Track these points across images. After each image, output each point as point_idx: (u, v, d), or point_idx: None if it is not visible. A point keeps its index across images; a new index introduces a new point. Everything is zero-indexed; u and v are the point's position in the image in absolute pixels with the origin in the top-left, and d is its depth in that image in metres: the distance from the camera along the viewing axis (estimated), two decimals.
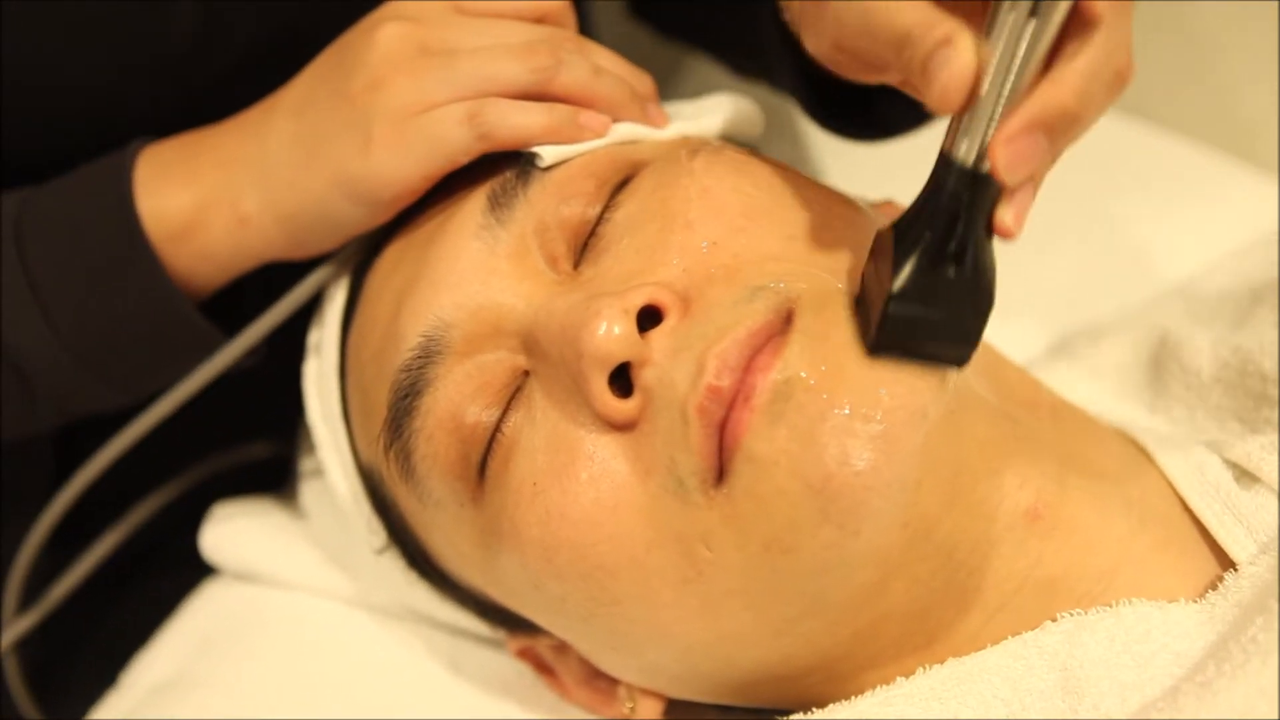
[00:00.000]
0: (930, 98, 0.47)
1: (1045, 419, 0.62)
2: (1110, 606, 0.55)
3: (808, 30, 0.56)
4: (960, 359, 0.51)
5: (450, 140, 0.60)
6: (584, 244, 0.59)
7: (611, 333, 0.52)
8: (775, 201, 0.58)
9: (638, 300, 0.53)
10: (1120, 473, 0.60)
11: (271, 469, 0.84)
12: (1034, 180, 0.49)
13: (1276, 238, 0.77)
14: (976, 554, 0.56)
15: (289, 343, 0.71)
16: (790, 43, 0.66)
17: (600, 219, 0.59)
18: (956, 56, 0.46)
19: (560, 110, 0.61)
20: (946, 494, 0.54)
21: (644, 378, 0.53)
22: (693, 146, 0.61)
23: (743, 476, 0.52)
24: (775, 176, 0.60)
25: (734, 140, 0.67)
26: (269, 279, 0.68)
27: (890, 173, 0.72)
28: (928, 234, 0.49)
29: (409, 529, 0.64)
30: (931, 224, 0.49)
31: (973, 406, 0.57)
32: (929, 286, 0.49)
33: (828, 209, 0.59)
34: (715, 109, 0.68)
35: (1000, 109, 0.47)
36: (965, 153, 0.48)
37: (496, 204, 0.60)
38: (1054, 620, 0.55)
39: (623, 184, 0.59)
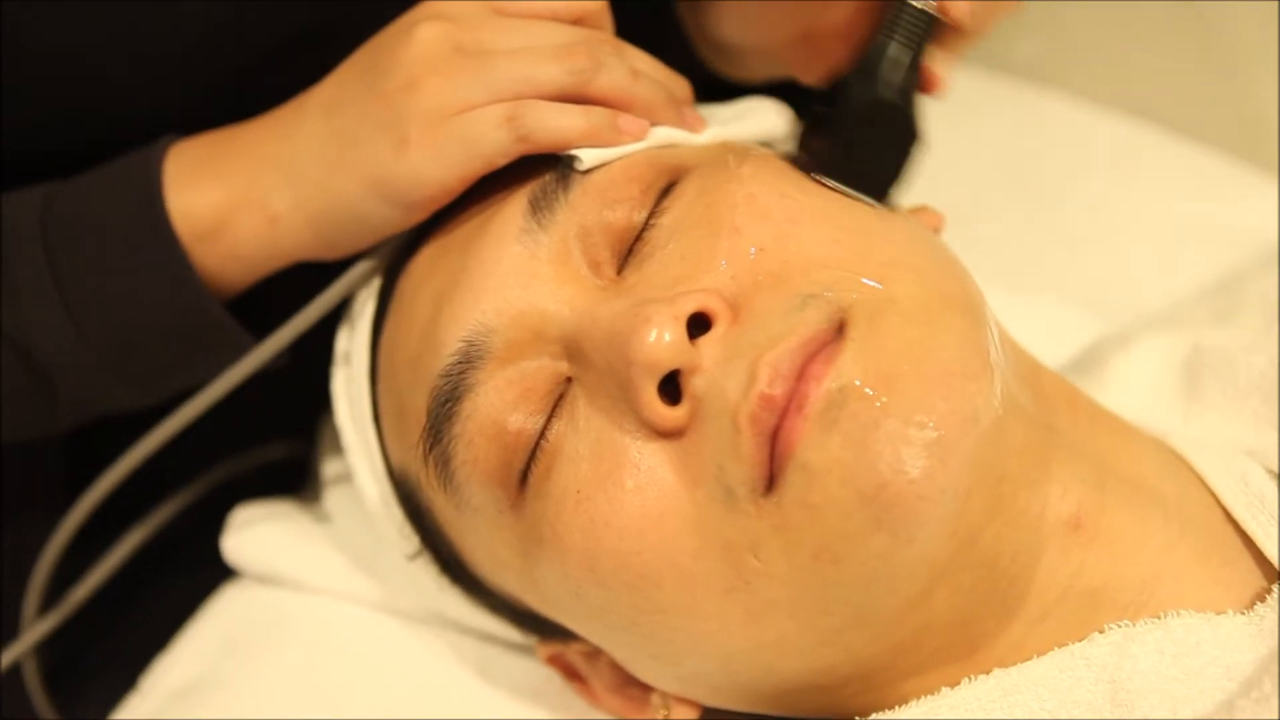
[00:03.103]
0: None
1: (1083, 427, 0.62)
2: (1158, 618, 0.55)
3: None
4: (883, 189, 0.59)
5: (488, 142, 0.60)
6: (629, 249, 0.58)
7: (662, 339, 0.52)
8: (821, 208, 0.58)
9: (688, 306, 0.53)
10: (1159, 481, 0.60)
11: (288, 470, 0.84)
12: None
13: None
14: (1019, 563, 0.56)
15: (309, 343, 0.70)
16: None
17: (646, 224, 0.58)
18: None
19: (599, 113, 0.61)
20: (991, 502, 0.54)
21: (694, 385, 0.53)
22: (739, 152, 0.61)
23: (794, 485, 0.51)
24: (816, 182, 0.60)
25: (770, 145, 0.67)
26: (298, 280, 0.68)
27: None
28: (870, 66, 0.59)
29: (443, 535, 0.64)
30: (878, 58, 0.59)
31: (1014, 414, 0.57)
32: (865, 104, 0.59)
33: (871, 215, 0.59)
34: (752, 113, 0.68)
35: None
36: None
37: (537, 207, 0.59)
38: (1100, 631, 0.55)
39: (667, 189, 0.59)
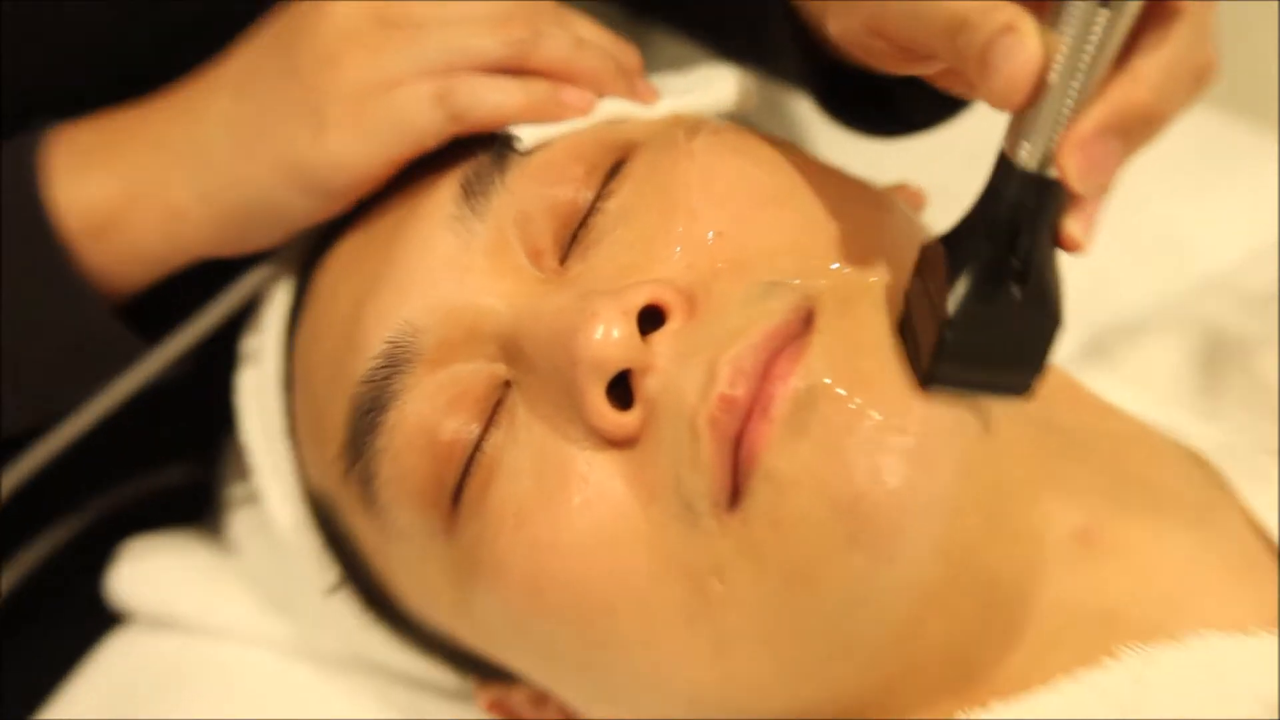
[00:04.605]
0: (991, 91, 0.47)
1: (1091, 425, 0.63)
2: (1178, 640, 0.56)
3: (834, 11, 0.55)
4: (1025, 388, 0.52)
5: (417, 122, 0.61)
6: (573, 236, 0.60)
7: (610, 336, 0.53)
8: (785, 186, 0.60)
9: (638, 299, 0.55)
10: (1180, 486, 0.62)
11: (187, 496, 0.84)
12: (1104, 187, 0.49)
13: None
14: (1023, 583, 0.57)
15: (212, 350, 0.71)
16: (799, 24, 0.67)
17: (592, 208, 0.60)
18: (1021, 45, 0.46)
19: (539, 86, 0.63)
20: (987, 515, 0.55)
21: (646, 387, 0.55)
22: (690, 126, 0.63)
23: (760, 498, 0.53)
24: (782, 158, 0.61)
25: (730, 118, 0.68)
26: (204, 278, 0.69)
27: (892, 157, 0.74)
28: (986, 248, 0.50)
29: (366, 564, 0.65)
30: (991, 237, 0.50)
31: (1012, 415, 0.58)
32: (990, 309, 0.50)
33: (842, 193, 0.60)
34: (707, 83, 0.69)
35: (1069, 108, 0.47)
36: (1029, 156, 0.48)
37: (471, 192, 0.61)
38: (1114, 656, 0.56)
39: (614, 169, 0.61)
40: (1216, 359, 0.73)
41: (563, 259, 0.60)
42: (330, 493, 0.64)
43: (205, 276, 0.69)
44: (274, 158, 0.63)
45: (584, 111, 0.63)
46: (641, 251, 0.58)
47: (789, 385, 0.53)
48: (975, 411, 0.54)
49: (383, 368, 0.59)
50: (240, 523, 0.77)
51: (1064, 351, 0.83)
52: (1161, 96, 0.48)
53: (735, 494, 0.54)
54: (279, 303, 0.68)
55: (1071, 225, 0.50)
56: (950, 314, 0.50)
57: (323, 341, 0.63)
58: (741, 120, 0.69)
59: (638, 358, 0.54)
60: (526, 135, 0.62)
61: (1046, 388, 0.62)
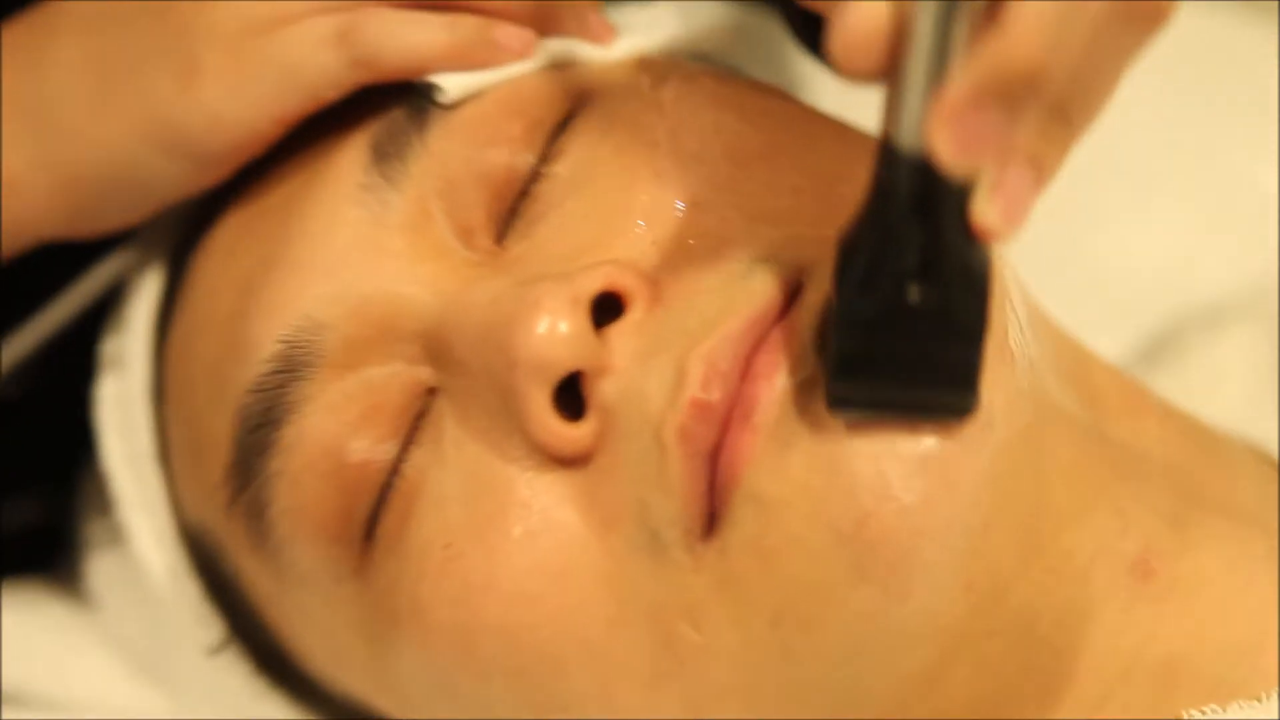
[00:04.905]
0: (832, 55, 0.47)
1: (1153, 437, 0.64)
2: (1259, 700, 0.57)
3: None
4: (960, 407, 0.53)
5: (311, 68, 0.62)
6: (511, 208, 0.61)
7: (556, 331, 0.54)
8: (772, 142, 0.61)
9: (591, 285, 0.55)
10: (1260, 510, 0.63)
11: (35, 540, 0.84)
12: (1022, 161, 0.48)
13: None
14: (1066, 626, 0.58)
15: (66, 358, 0.72)
16: None
17: (534, 174, 0.61)
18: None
19: (466, 24, 0.63)
20: (1022, 542, 0.56)
21: (602, 392, 0.56)
22: (657, 70, 0.64)
23: (743, 524, 0.54)
24: (770, 108, 0.63)
25: (707, 59, 0.70)
26: (48, 265, 0.70)
27: None
28: (873, 243, 0.51)
29: (259, 616, 0.66)
30: (878, 229, 0.50)
31: (1053, 421, 0.59)
32: (881, 315, 0.51)
33: (843, 149, 0.61)
34: (678, 17, 0.70)
35: (936, 73, 0.46)
36: (904, 134, 0.48)
37: (383, 156, 0.62)
38: (1177, 716, 0.57)
39: (562, 125, 0.62)
40: None
41: (499, 237, 0.61)
42: (213, 528, 0.65)
43: (52, 264, 0.70)
44: (133, 114, 0.63)
45: (523, 54, 0.64)
46: (596, 226, 0.59)
47: (775, 385, 0.54)
48: (1010, 408, 0.55)
49: (276, 373, 0.60)
50: (101, 569, 0.77)
51: (1121, 349, 0.85)
52: (1051, 47, 0.45)
53: (712, 520, 0.54)
54: (146, 296, 0.69)
55: (984, 209, 0.49)
56: (835, 335, 0.52)
57: (201, 343, 0.64)
58: (721, 63, 0.70)
59: (590, 357, 0.55)
60: (451, 85, 0.62)
61: (1097, 389, 0.64)
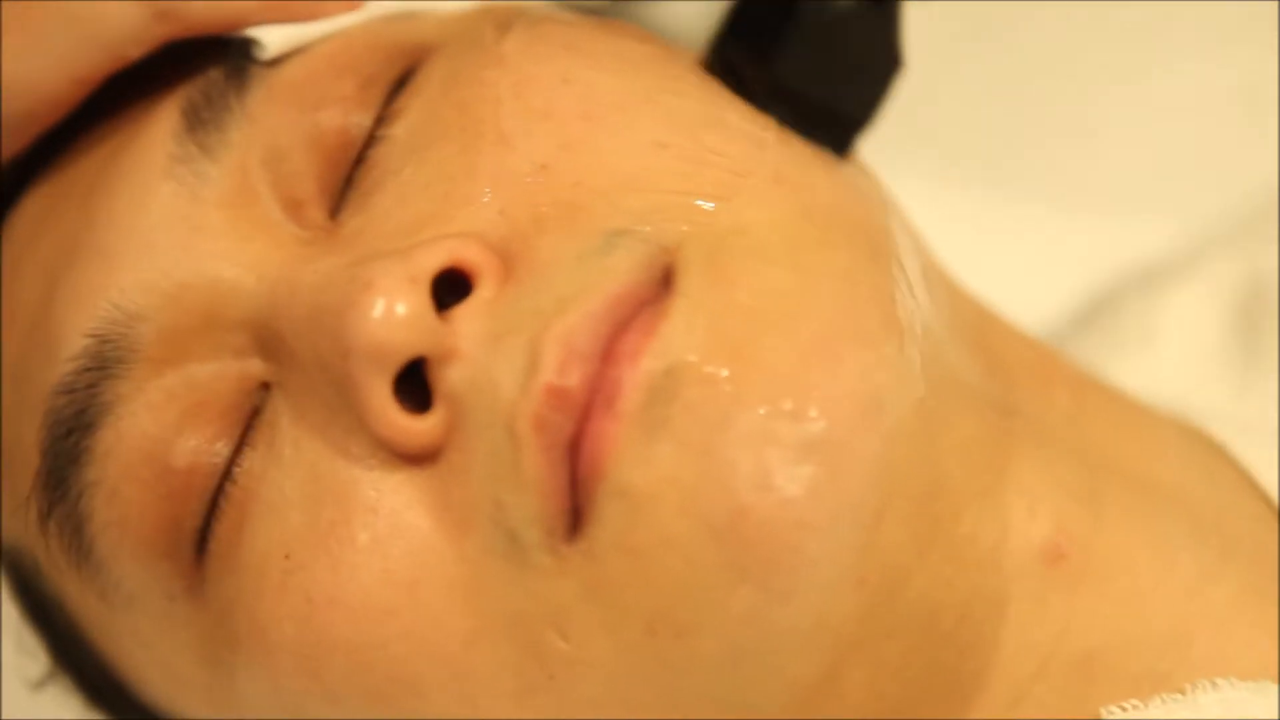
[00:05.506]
0: None
1: (1063, 408, 0.64)
2: (1183, 693, 0.57)
3: None
4: (842, 140, 0.60)
5: (111, 21, 0.61)
6: (345, 177, 0.60)
7: (393, 313, 0.53)
8: (632, 92, 0.60)
9: (432, 261, 0.54)
10: (1184, 485, 0.63)
11: None
12: None
13: None
14: (972, 620, 0.58)
15: None
16: None
17: (370, 138, 0.60)
18: None
19: None
20: (919, 530, 0.56)
21: (448, 380, 0.54)
22: (501, 18, 0.63)
23: (609, 522, 0.53)
24: (625, 50, 0.62)
25: (562, 4, 0.69)
26: None
27: None
28: None
29: (86, 643, 0.65)
30: None
31: (952, 394, 0.59)
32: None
33: (714, 98, 0.61)
34: None
35: None
36: None
37: (198, 122, 0.61)
38: (1097, 716, 0.57)
39: (400, 82, 0.61)
40: (1255, 316, 0.74)
41: (333, 210, 0.60)
42: (27, 547, 0.64)
43: None
44: None
45: (352, 5, 0.63)
46: (439, 196, 0.58)
47: (640, 367, 0.53)
48: (901, 384, 0.54)
49: (86, 371, 0.59)
50: None
51: (1049, 316, 0.85)
52: None
53: (576, 518, 0.54)
54: None
55: None
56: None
57: (4, 339, 0.63)
58: (579, 7, 0.69)
59: (433, 341, 0.54)
60: (272, 40, 0.61)
61: (1002, 356, 0.64)
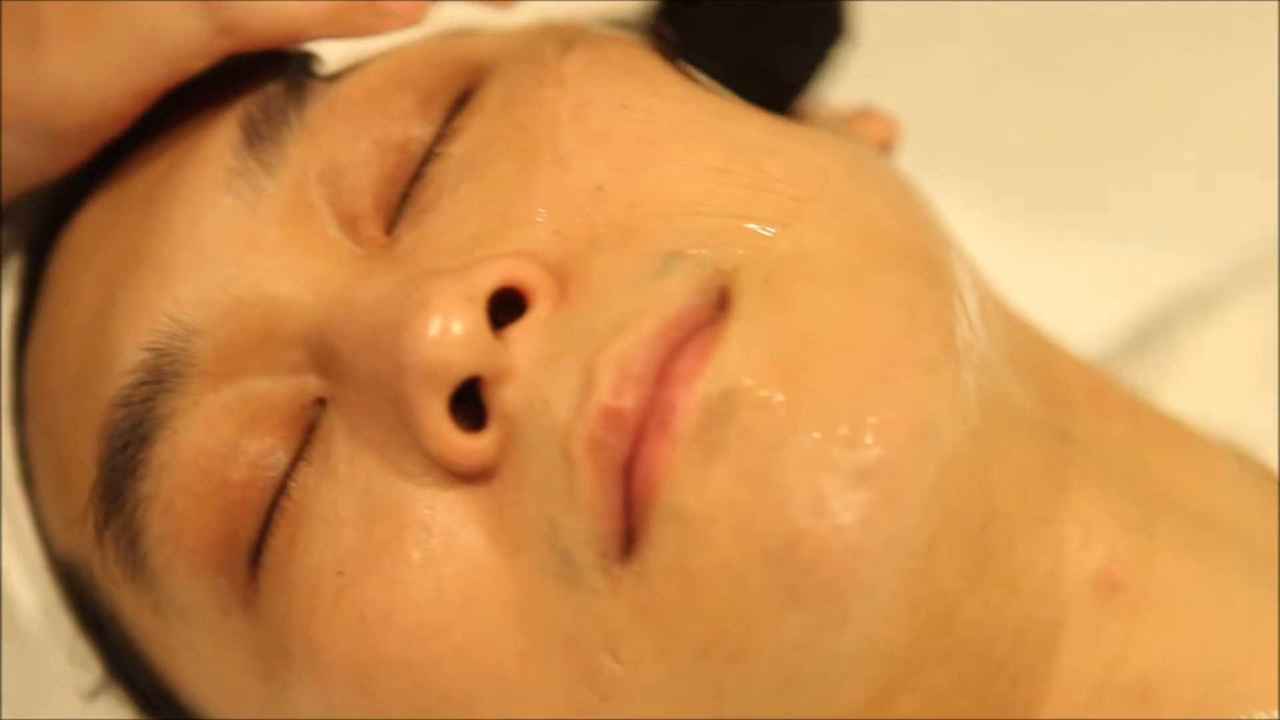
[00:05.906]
0: None
1: (1119, 436, 0.64)
2: None
3: None
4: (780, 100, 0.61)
5: (172, 34, 0.61)
6: (403, 194, 0.60)
7: (449, 332, 0.53)
8: (694, 119, 0.60)
9: (488, 280, 0.54)
10: (1240, 515, 0.63)
11: None
12: None
13: None
14: (1025, 649, 0.58)
15: None
16: None
17: (428, 155, 0.60)
18: None
19: None
20: (972, 558, 0.56)
21: (503, 400, 0.54)
22: (563, 38, 0.63)
23: (663, 545, 0.53)
24: (690, 80, 0.62)
25: (623, 26, 0.68)
26: None
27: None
28: None
29: (139, 655, 0.65)
30: None
31: (1006, 421, 0.58)
32: None
33: (772, 124, 0.61)
34: None
35: None
36: None
37: (257, 137, 0.61)
38: None
39: (460, 100, 0.61)
40: None
41: (388, 226, 0.60)
42: (83, 559, 0.64)
43: None
44: None
45: (413, 20, 0.63)
46: (495, 214, 0.58)
47: (696, 391, 0.53)
48: (956, 411, 0.54)
49: (142, 385, 0.59)
50: None
51: (1100, 345, 0.84)
52: None
53: (629, 540, 0.53)
54: (2, 299, 0.68)
55: None
56: None
57: (61, 351, 0.63)
58: (640, 30, 0.69)
59: (489, 361, 0.54)
60: (331, 54, 0.61)
61: (1058, 382, 0.64)
